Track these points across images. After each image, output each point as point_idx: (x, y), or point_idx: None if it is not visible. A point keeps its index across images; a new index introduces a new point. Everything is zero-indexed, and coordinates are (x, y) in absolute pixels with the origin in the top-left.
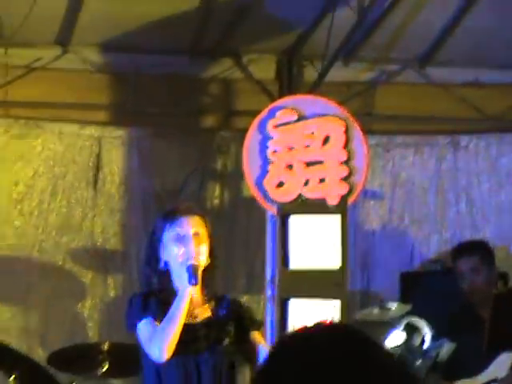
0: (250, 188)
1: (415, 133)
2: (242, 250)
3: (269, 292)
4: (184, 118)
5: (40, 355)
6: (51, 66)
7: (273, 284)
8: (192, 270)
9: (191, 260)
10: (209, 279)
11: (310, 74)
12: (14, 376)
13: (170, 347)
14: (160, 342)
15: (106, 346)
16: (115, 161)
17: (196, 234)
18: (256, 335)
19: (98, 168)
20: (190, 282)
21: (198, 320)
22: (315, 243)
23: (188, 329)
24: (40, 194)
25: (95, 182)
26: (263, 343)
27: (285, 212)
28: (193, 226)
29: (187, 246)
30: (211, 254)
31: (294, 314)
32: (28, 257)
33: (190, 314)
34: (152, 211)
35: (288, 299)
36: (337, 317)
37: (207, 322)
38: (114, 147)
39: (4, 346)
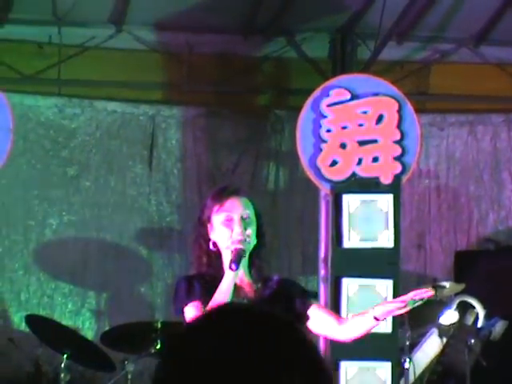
0: (304, 167)
1: (469, 112)
2: (297, 230)
3: (322, 272)
4: (238, 97)
5: (94, 333)
6: (104, 45)
7: (326, 264)
8: (235, 255)
9: (236, 244)
10: (256, 259)
11: (364, 52)
12: (66, 354)
13: None
14: None
15: (158, 325)
16: (170, 139)
17: (244, 217)
18: (318, 308)
19: (152, 146)
20: (230, 267)
21: (246, 301)
22: (368, 222)
23: None
24: (95, 171)
25: (150, 160)
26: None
27: (338, 191)
28: (241, 209)
29: (235, 229)
30: (258, 233)
31: (346, 293)
32: (84, 234)
33: (238, 294)
34: (206, 190)
35: (341, 278)
36: (390, 296)
37: (254, 303)
38: (168, 126)
39: (57, 323)
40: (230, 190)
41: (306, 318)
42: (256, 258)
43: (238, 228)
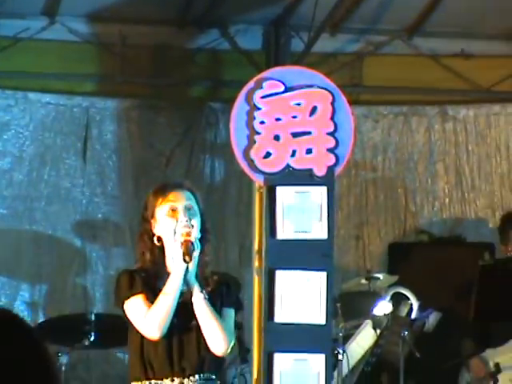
0: (237, 159)
1: (404, 103)
2: (233, 223)
3: (256, 263)
4: (171, 89)
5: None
6: (38, 36)
7: (260, 255)
8: (186, 247)
9: (184, 235)
10: (201, 254)
11: (297, 45)
12: None
13: (165, 324)
14: (155, 319)
15: (92, 317)
16: (104, 131)
17: (188, 207)
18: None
19: (86, 138)
20: (184, 260)
21: (185, 294)
22: (302, 214)
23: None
24: (28, 164)
25: (84, 152)
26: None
27: (272, 183)
28: (184, 200)
29: (180, 219)
30: (202, 228)
31: (281, 285)
32: (17, 227)
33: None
34: (142, 182)
35: (275, 270)
36: (324, 288)
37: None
38: (102, 118)
39: None
40: (172, 183)
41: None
42: (201, 254)
43: (182, 217)
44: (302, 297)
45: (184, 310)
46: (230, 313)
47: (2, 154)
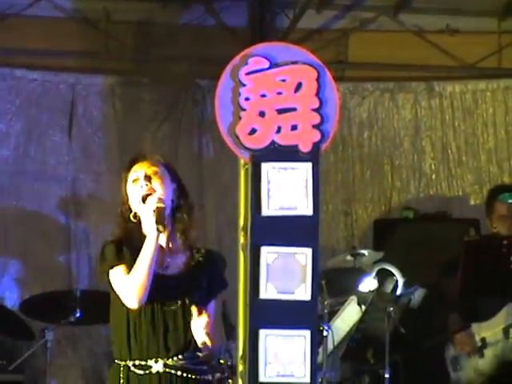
0: (222, 135)
1: (390, 80)
2: (220, 199)
3: (241, 240)
4: (156, 66)
5: (15, 302)
6: (24, 13)
7: (245, 232)
8: (157, 214)
9: (157, 203)
10: (179, 223)
11: (283, 21)
12: None
13: (141, 294)
14: (131, 288)
15: (77, 293)
16: (90, 108)
17: (148, 174)
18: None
19: (72, 115)
20: (157, 229)
21: (169, 271)
22: (287, 190)
23: (158, 279)
24: (15, 140)
25: (70, 128)
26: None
27: (257, 159)
28: (146, 167)
29: (140, 184)
30: (178, 194)
31: (265, 261)
32: (3, 203)
33: (162, 263)
34: (127, 159)
35: (260, 246)
36: (309, 264)
37: (178, 274)
38: (88, 94)
39: None
40: (137, 156)
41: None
42: (179, 223)
43: (142, 181)
44: (287, 273)
45: (167, 289)
46: (217, 301)
47: None
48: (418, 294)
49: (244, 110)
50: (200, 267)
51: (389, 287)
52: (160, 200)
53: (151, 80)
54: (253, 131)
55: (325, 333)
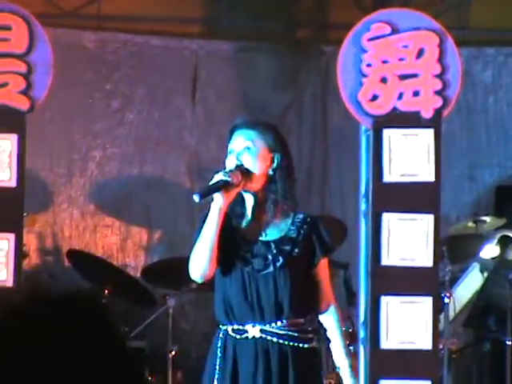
0: (344, 101)
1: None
2: (345, 166)
3: (362, 207)
4: (279, 32)
5: (138, 269)
6: None
7: (366, 199)
8: (213, 183)
9: (223, 174)
10: (272, 193)
11: None
12: (107, 289)
13: (201, 266)
14: (192, 260)
15: None
16: (212, 73)
17: (239, 149)
18: (320, 267)
19: (195, 80)
20: (217, 202)
21: (268, 237)
22: (409, 157)
23: (256, 245)
24: (138, 104)
25: (193, 93)
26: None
27: (379, 125)
28: (240, 142)
29: (232, 161)
30: (278, 165)
31: (386, 228)
32: (128, 168)
33: (260, 229)
34: None
35: (381, 213)
36: (431, 231)
37: (277, 240)
38: (210, 60)
39: (99, 258)
40: (239, 122)
41: (310, 270)
42: (272, 193)
43: (234, 160)
44: (408, 240)
45: (264, 255)
46: (325, 263)
47: (114, 94)
48: None
49: (366, 76)
50: (297, 235)
51: (511, 254)
52: (224, 173)
53: (274, 46)
54: (374, 97)
55: (446, 300)
